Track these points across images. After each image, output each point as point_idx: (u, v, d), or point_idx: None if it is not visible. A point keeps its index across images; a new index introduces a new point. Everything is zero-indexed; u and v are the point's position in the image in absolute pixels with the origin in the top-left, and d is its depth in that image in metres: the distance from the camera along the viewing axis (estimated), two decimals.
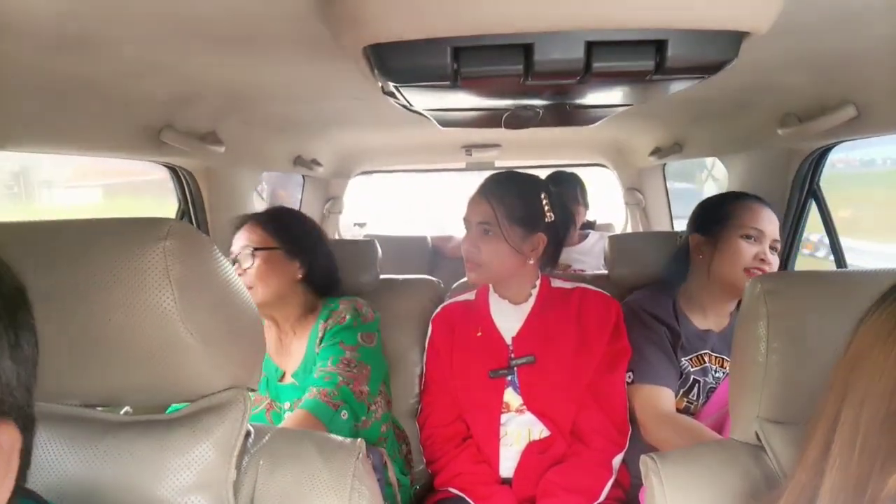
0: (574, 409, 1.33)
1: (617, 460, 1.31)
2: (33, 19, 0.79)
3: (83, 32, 0.85)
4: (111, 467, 0.65)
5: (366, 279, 1.70)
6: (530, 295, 1.40)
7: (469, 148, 2.58)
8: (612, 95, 1.06)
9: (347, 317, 1.39)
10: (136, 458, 0.65)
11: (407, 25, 0.69)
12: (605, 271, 1.79)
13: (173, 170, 1.74)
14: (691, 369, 1.41)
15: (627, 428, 1.35)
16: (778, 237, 1.40)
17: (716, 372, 1.42)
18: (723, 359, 1.43)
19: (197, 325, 0.61)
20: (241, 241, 1.37)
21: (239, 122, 1.61)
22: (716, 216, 1.45)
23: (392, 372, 1.64)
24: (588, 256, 2.61)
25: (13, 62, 0.91)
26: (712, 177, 3.13)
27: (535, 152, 2.86)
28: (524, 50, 0.74)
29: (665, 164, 2.71)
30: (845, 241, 1.72)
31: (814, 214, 1.74)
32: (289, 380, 1.40)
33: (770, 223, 1.39)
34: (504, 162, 2.94)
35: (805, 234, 1.81)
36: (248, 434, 0.72)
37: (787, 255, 1.78)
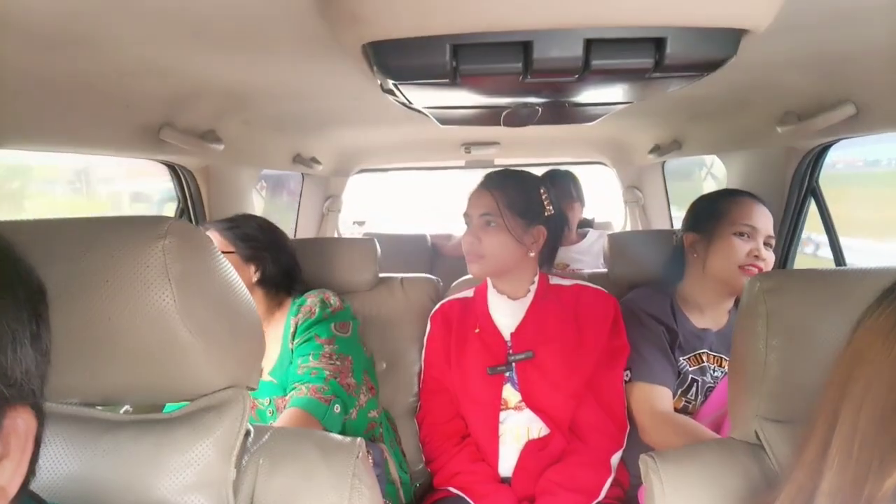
0: (573, 405, 1.33)
1: (615, 458, 1.32)
2: (32, 18, 0.79)
3: (82, 31, 0.85)
4: (111, 466, 0.65)
5: (365, 277, 1.70)
6: (529, 290, 1.40)
7: (468, 146, 2.58)
8: (611, 93, 1.06)
9: (316, 310, 1.41)
10: (135, 457, 0.65)
11: (406, 23, 0.69)
12: (605, 270, 1.79)
13: (172, 168, 1.73)
14: (689, 369, 1.41)
15: (626, 425, 1.35)
16: (772, 233, 1.40)
17: (714, 371, 1.42)
18: (721, 358, 1.43)
19: (196, 323, 0.61)
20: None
21: (238, 120, 1.61)
22: (709, 214, 1.45)
23: (391, 370, 1.65)
24: (587, 255, 2.61)
25: (12, 61, 0.90)
26: (711, 175, 3.12)
27: (535, 150, 2.86)
28: (523, 47, 0.74)
29: (664, 162, 2.71)
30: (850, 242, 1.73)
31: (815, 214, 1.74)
32: (266, 377, 1.42)
33: (763, 219, 1.39)
34: (503, 160, 2.94)
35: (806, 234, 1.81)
36: (247, 433, 0.73)
37: (786, 254, 1.78)
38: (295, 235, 2.83)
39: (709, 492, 0.74)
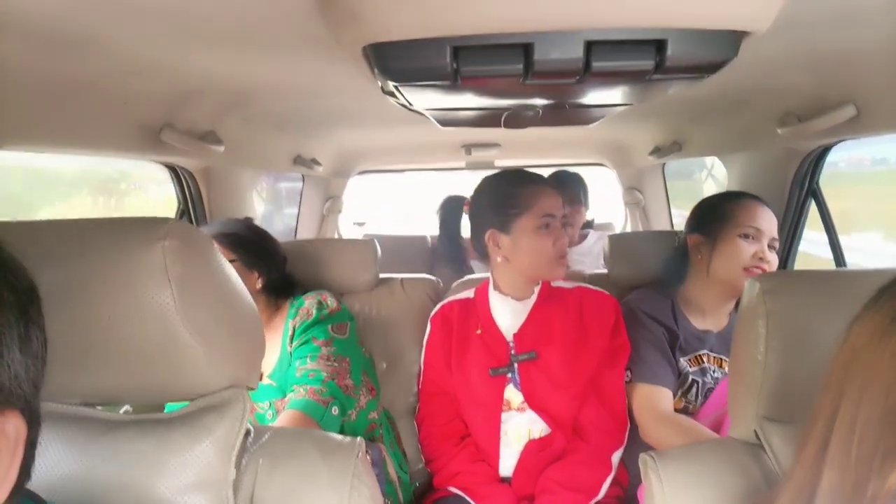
0: (575, 406, 1.33)
1: (616, 457, 1.32)
2: (33, 18, 0.79)
3: (82, 31, 0.85)
4: (111, 466, 0.65)
5: (365, 278, 1.70)
6: (533, 291, 1.40)
7: (468, 147, 2.58)
8: (612, 95, 1.06)
9: (313, 311, 1.41)
10: (135, 457, 0.65)
11: (407, 24, 0.69)
12: (605, 271, 1.79)
13: (173, 169, 1.74)
14: (689, 369, 1.41)
15: (626, 423, 1.35)
16: (776, 235, 1.39)
17: (714, 372, 1.42)
18: (721, 359, 1.43)
19: (196, 324, 0.61)
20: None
21: (238, 121, 1.61)
22: (714, 216, 1.45)
23: (391, 371, 1.65)
24: (587, 256, 2.61)
25: (12, 61, 0.90)
26: (712, 176, 3.13)
27: (535, 152, 2.86)
28: (524, 49, 0.74)
29: (664, 164, 2.71)
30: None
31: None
32: (266, 380, 1.42)
33: (768, 222, 1.39)
34: (504, 161, 2.94)
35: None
36: (247, 433, 0.73)
37: (787, 255, 1.78)
38: (295, 237, 2.84)
39: (708, 491, 0.74)
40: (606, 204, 3.64)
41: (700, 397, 1.41)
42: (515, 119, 1.26)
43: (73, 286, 0.59)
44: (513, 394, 1.36)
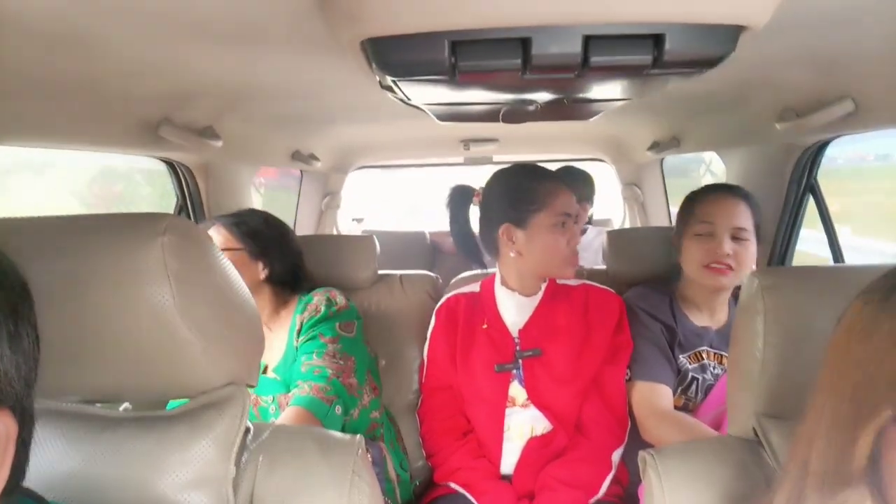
0: (578, 403, 1.34)
1: (616, 455, 1.32)
2: (31, 15, 0.78)
3: (81, 29, 0.84)
4: (110, 463, 0.65)
5: (364, 275, 1.70)
6: (539, 288, 1.40)
7: (467, 142, 2.58)
8: (610, 90, 1.06)
9: (322, 308, 1.41)
10: (135, 455, 0.65)
11: (404, 19, 0.69)
12: (604, 267, 1.79)
13: (171, 165, 1.73)
14: (689, 366, 1.42)
15: (627, 421, 1.36)
16: (742, 224, 1.37)
17: (714, 369, 1.42)
18: (721, 355, 1.43)
19: (195, 320, 0.61)
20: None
21: (236, 117, 1.61)
22: (680, 216, 1.47)
23: (390, 367, 1.65)
24: (586, 252, 2.62)
25: (11, 58, 0.90)
26: (710, 172, 3.13)
27: (534, 147, 2.86)
28: (522, 44, 0.73)
29: (663, 159, 2.71)
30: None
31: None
32: (270, 374, 1.42)
33: (726, 213, 1.37)
34: (502, 156, 2.93)
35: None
36: (247, 430, 0.73)
37: (785, 251, 1.78)
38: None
39: (707, 488, 0.74)
40: (605, 199, 3.64)
41: (700, 394, 1.41)
42: (514, 114, 1.26)
43: (72, 282, 0.58)
44: (517, 390, 1.36)
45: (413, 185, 6.47)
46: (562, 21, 0.70)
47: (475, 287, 1.49)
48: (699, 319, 1.46)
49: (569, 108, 1.24)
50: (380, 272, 1.75)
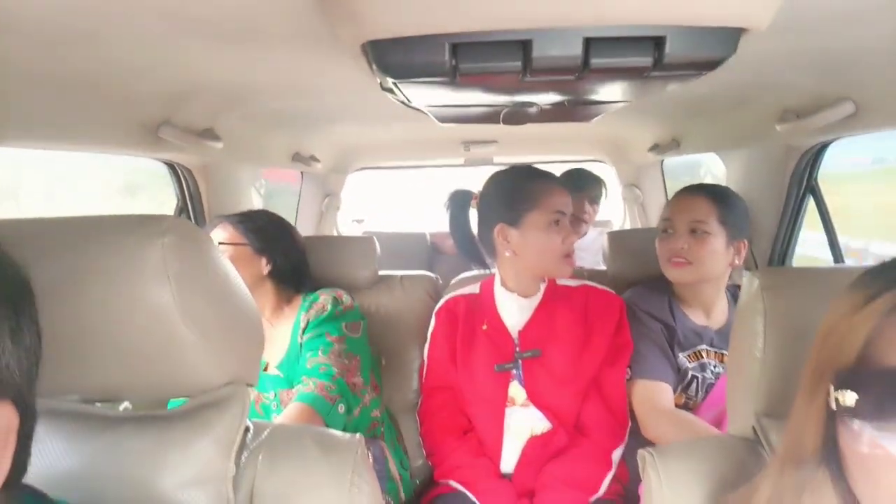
0: (578, 404, 1.34)
1: (616, 454, 1.32)
2: (31, 15, 0.79)
3: (81, 29, 0.85)
4: (111, 462, 0.65)
5: (364, 275, 1.70)
6: (539, 289, 1.40)
7: (467, 144, 2.58)
8: (611, 92, 1.06)
9: (328, 307, 1.43)
10: (135, 454, 0.66)
11: (405, 21, 0.69)
12: (604, 267, 1.79)
13: (171, 166, 1.73)
14: (689, 365, 1.42)
15: (627, 421, 1.36)
16: (700, 218, 1.40)
17: (715, 367, 1.42)
18: (722, 354, 1.43)
19: (196, 320, 0.61)
20: (212, 238, 1.42)
21: (237, 118, 1.61)
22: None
23: (390, 367, 1.65)
24: (586, 253, 2.62)
25: (11, 58, 0.90)
26: (711, 174, 3.13)
27: (534, 148, 2.86)
28: (522, 46, 0.74)
29: (663, 161, 2.71)
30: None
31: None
32: (272, 370, 1.42)
33: (682, 209, 1.43)
34: (502, 158, 2.94)
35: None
36: (247, 429, 0.73)
37: (785, 252, 1.78)
38: None
39: (706, 487, 0.74)
40: (605, 200, 3.63)
41: (700, 393, 1.41)
42: (514, 116, 1.26)
43: (73, 283, 0.59)
44: (517, 390, 1.36)
45: (413, 187, 6.47)
46: (562, 23, 0.70)
47: (475, 288, 1.50)
48: (698, 318, 1.46)
49: (569, 109, 1.24)
50: (380, 273, 1.76)
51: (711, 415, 1.34)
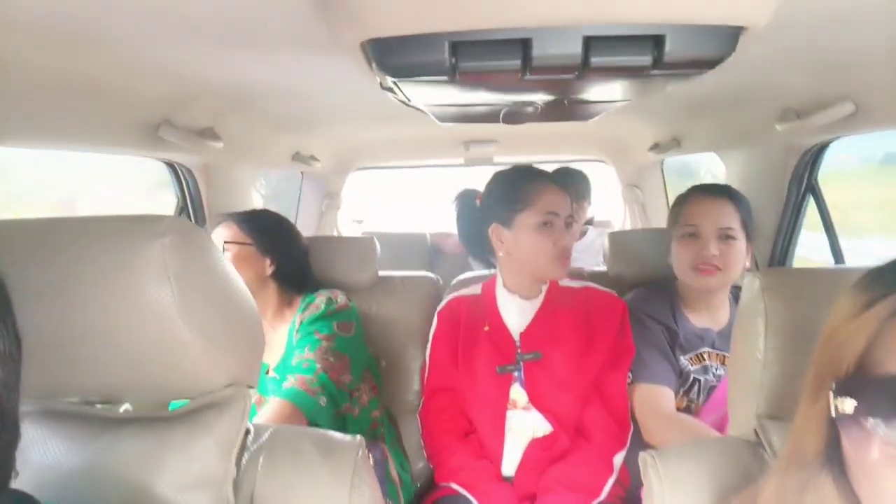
0: (579, 406, 1.33)
1: (618, 458, 1.31)
2: (32, 16, 0.79)
3: (82, 29, 0.85)
4: (111, 464, 0.65)
5: (364, 276, 1.70)
6: (540, 291, 1.40)
7: (467, 143, 2.58)
8: (610, 90, 1.06)
9: (322, 306, 1.43)
10: (135, 455, 0.65)
11: (405, 20, 0.69)
12: (604, 268, 1.79)
13: (171, 166, 1.73)
14: (691, 368, 1.41)
15: (629, 426, 1.35)
16: (729, 224, 1.37)
17: (717, 369, 1.42)
18: (724, 356, 1.42)
19: (196, 321, 0.61)
20: (216, 237, 1.43)
21: (237, 118, 1.61)
22: (670, 219, 1.48)
23: (391, 368, 1.65)
24: (586, 254, 2.61)
25: (11, 58, 0.90)
26: (711, 173, 3.12)
27: (534, 147, 2.86)
28: (522, 45, 0.74)
29: (663, 160, 2.71)
30: None
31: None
32: (271, 373, 1.43)
33: (711, 214, 1.38)
34: (502, 157, 2.93)
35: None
36: (247, 431, 0.73)
37: (785, 252, 1.78)
38: None
39: (708, 489, 0.74)
40: (605, 201, 3.63)
41: (702, 395, 1.41)
42: (514, 115, 1.26)
43: (72, 283, 0.58)
44: (518, 393, 1.36)
45: (413, 187, 6.46)
46: (562, 22, 0.70)
47: (476, 289, 1.49)
48: (699, 321, 1.46)
49: (569, 108, 1.24)
50: (380, 273, 1.75)
51: (713, 417, 1.33)
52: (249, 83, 1.30)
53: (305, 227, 2.93)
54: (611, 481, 1.28)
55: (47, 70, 0.98)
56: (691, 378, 1.41)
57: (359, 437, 0.75)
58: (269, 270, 1.44)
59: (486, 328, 1.40)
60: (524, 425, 1.35)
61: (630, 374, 1.38)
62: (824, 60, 1.12)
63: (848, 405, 0.47)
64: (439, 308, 1.51)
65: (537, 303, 1.39)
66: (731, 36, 0.73)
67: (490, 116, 1.29)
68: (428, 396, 1.47)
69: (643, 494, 0.80)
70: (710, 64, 0.78)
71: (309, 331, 1.39)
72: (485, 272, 1.67)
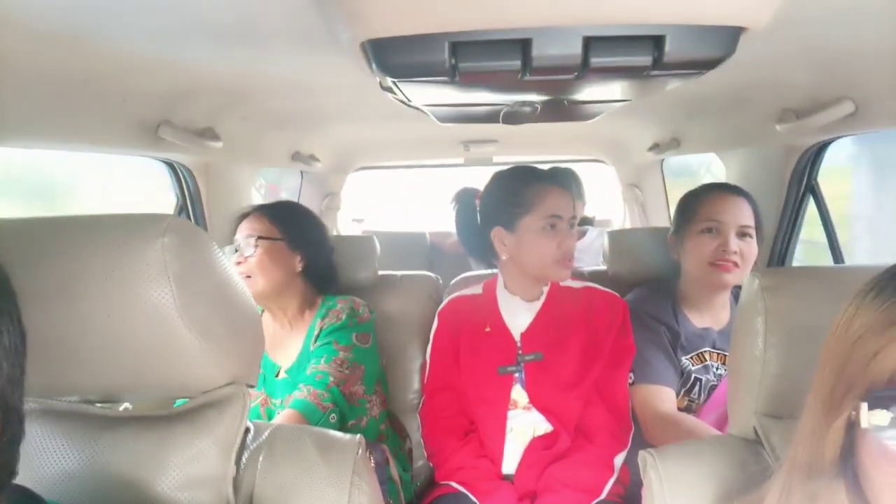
0: (579, 407, 1.33)
1: (619, 459, 1.31)
2: (30, 14, 0.79)
3: (81, 28, 0.85)
4: (111, 463, 0.65)
5: (364, 275, 1.70)
6: (541, 292, 1.40)
7: (467, 143, 2.58)
8: (610, 91, 1.06)
9: (343, 316, 1.40)
10: (135, 454, 0.66)
11: (405, 20, 0.69)
12: (604, 268, 1.79)
13: (171, 166, 1.73)
14: (692, 368, 1.41)
15: (630, 426, 1.35)
16: (748, 223, 1.38)
17: (717, 369, 1.42)
18: (725, 355, 1.42)
19: (195, 320, 0.61)
20: (246, 229, 1.40)
21: (236, 117, 1.61)
22: (681, 213, 1.47)
23: (390, 368, 1.65)
24: (586, 254, 2.61)
25: (10, 57, 0.90)
26: (711, 173, 3.12)
27: (533, 148, 2.86)
28: (522, 45, 0.73)
29: (663, 160, 2.71)
30: None
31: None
32: (283, 375, 1.41)
33: (732, 211, 1.38)
34: (502, 157, 2.94)
35: None
36: (247, 430, 0.73)
37: (785, 251, 1.78)
38: None
39: (707, 487, 0.74)
40: (605, 201, 3.64)
41: (703, 395, 1.41)
42: (514, 115, 1.26)
43: (72, 283, 0.59)
44: (520, 394, 1.36)
45: (412, 186, 6.46)
46: (562, 22, 0.70)
47: (477, 289, 1.49)
48: (700, 321, 1.46)
49: (569, 109, 1.24)
50: (380, 273, 1.76)
51: (714, 416, 1.33)
52: (249, 82, 1.30)
53: None
54: (611, 481, 1.28)
55: (46, 69, 0.98)
56: (692, 378, 1.41)
57: (359, 436, 0.76)
58: (299, 267, 1.41)
59: (488, 329, 1.40)
60: (525, 425, 1.35)
61: (631, 374, 1.38)
62: (824, 60, 1.12)
63: (883, 417, 0.46)
64: (440, 308, 1.51)
65: (538, 304, 1.39)
66: (731, 36, 0.73)
67: (490, 117, 1.29)
68: (428, 396, 1.47)
69: (643, 493, 0.81)
70: (710, 64, 0.78)
71: (328, 340, 1.37)
72: (485, 271, 1.67)
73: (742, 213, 1.38)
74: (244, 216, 1.44)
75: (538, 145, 2.81)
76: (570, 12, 0.67)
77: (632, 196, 3.02)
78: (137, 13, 0.81)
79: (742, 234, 1.37)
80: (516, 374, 1.35)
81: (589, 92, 1.07)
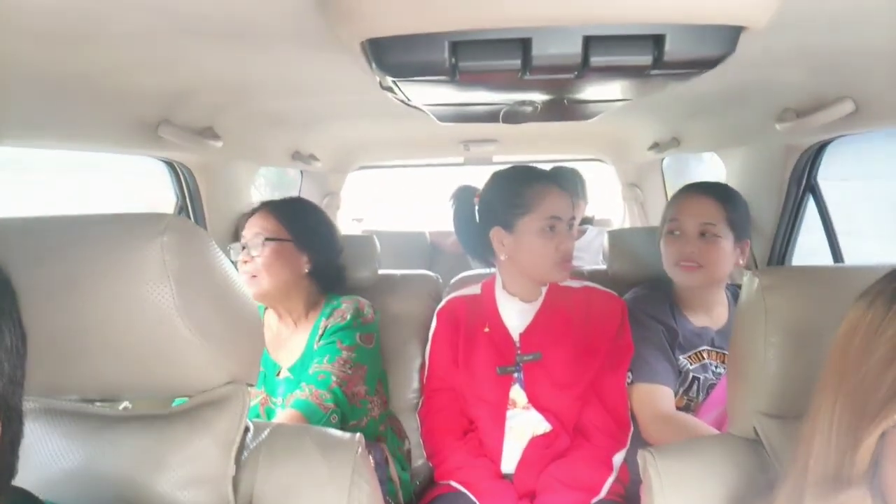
0: (578, 407, 1.34)
1: (618, 458, 1.31)
2: (30, 13, 0.78)
3: (80, 27, 0.84)
4: (111, 461, 0.65)
5: (365, 274, 1.70)
6: (540, 293, 1.40)
7: (467, 143, 2.58)
8: (610, 90, 1.06)
9: (348, 316, 1.40)
10: (135, 453, 0.66)
11: (405, 19, 0.69)
12: (604, 267, 1.79)
13: (171, 165, 1.73)
14: (690, 367, 1.41)
15: (629, 425, 1.35)
16: (708, 220, 1.37)
17: (716, 368, 1.42)
18: (724, 354, 1.43)
19: (195, 319, 0.61)
20: (254, 228, 1.38)
21: (236, 116, 1.60)
22: (662, 217, 1.50)
23: (390, 367, 1.65)
24: (586, 253, 2.61)
25: (9, 57, 0.90)
26: (711, 173, 3.12)
27: (533, 147, 2.86)
28: (522, 44, 0.73)
29: (663, 159, 2.71)
30: None
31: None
32: (285, 374, 1.41)
33: (691, 211, 1.39)
34: (502, 157, 2.93)
35: None
36: (247, 429, 0.73)
37: (785, 251, 1.78)
38: None
39: (706, 487, 0.74)
40: (605, 200, 3.63)
41: (702, 394, 1.41)
42: (514, 114, 1.26)
43: (72, 282, 0.59)
44: (518, 394, 1.36)
45: (412, 186, 6.45)
46: (562, 21, 0.70)
47: (476, 289, 1.49)
48: (698, 320, 1.46)
49: (569, 108, 1.24)
50: (380, 272, 1.76)
51: (712, 415, 1.33)
52: (249, 82, 1.30)
53: None
54: (610, 480, 1.29)
55: (46, 69, 0.98)
56: (690, 377, 1.41)
57: (358, 434, 0.76)
58: (306, 268, 1.40)
59: (486, 329, 1.40)
60: (524, 424, 1.35)
61: (630, 374, 1.38)
62: (824, 60, 1.12)
63: None
64: (439, 308, 1.51)
65: (537, 304, 1.39)
66: (731, 35, 0.73)
67: (490, 116, 1.29)
68: (427, 396, 1.47)
69: (642, 492, 0.81)
70: (710, 63, 0.78)
71: (332, 340, 1.36)
72: (484, 271, 1.67)
73: (703, 213, 1.38)
74: (252, 212, 1.42)
75: (538, 145, 2.81)
76: (570, 12, 0.67)
77: (632, 195, 3.02)
78: (137, 13, 0.81)
79: (704, 234, 1.37)
80: (515, 374, 1.35)
81: (589, 91, 1.07)
